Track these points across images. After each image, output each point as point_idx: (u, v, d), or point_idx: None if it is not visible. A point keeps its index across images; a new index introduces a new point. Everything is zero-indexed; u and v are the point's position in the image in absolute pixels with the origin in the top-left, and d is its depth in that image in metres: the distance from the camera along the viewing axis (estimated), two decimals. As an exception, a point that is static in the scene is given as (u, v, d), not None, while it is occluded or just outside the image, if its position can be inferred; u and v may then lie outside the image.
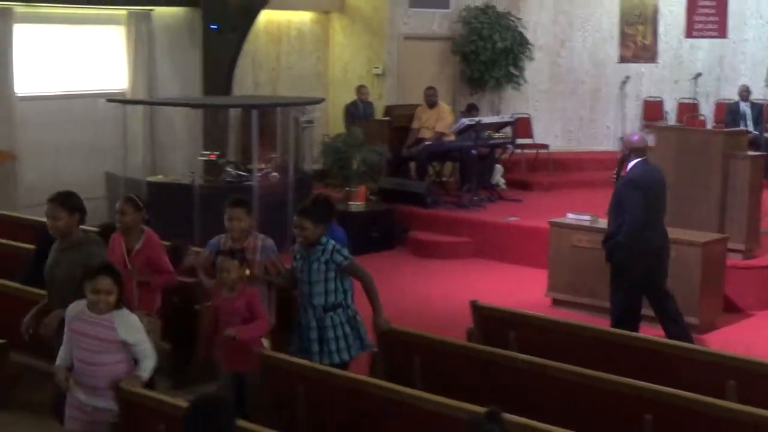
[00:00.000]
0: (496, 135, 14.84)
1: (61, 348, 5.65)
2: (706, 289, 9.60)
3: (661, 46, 17.56)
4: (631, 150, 8.72)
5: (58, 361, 5.66)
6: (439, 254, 12.65)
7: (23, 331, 6.38)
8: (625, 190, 8.51)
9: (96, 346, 5.47)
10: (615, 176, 9.32)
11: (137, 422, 5.47)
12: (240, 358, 6.32)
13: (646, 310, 8.84)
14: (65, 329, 5.64)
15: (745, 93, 15.77)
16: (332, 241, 6.78)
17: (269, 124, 13.82)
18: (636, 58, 17.53)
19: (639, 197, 8.36)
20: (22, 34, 12.81)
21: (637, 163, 8.63)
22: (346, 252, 6.80)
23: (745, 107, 15.62)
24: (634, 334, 7.25)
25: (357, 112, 15.09)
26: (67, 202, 6.46)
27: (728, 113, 15.91)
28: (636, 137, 9.06)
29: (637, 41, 17.50)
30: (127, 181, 12.79)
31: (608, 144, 16.81)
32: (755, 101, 15.79)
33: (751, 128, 15.10)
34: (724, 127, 15.51)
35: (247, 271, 6.63)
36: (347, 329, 6.75)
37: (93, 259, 6.05)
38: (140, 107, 13.77)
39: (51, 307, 6.23)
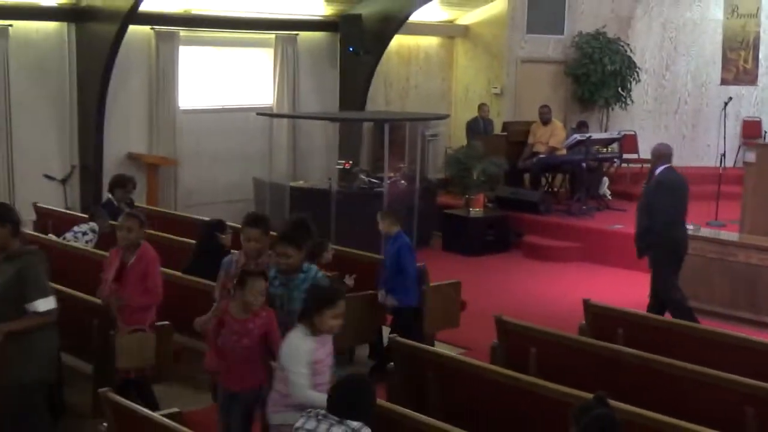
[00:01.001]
0: (604, 150, 14.65)
1: None
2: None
3: (762, 69, 17.06)
4: (659, 157, 8.83)
5: None
6: (550, 257, 12.54)
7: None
8: (657, 192, 8.64)
9: None
10: (646, 183, 9.14)
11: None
12: (239, 377, 5.51)
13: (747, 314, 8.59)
14: None
15: None
16: (314, 267, 6.06)
17: (398, 137, 13.91)
18: (737, 81, 17.06)
19: (669, 199, 8.61)
20: (185, 55, 13.11)
21: (664, 169, 8.74)
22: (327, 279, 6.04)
23: None
24: (735, 333, 7.05)
25: (478, 127, 15.06)
26: None
27: None
28: (662, 146, 9.16)
29: (739, 65, 17.04)
30: (271, 185, 12.97)
31: (708, 160, 16.37)
32: None
33: None
34: None
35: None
36: None
37: (28, 270, 5.45)
38: (285, 120, 13.98)
39: None
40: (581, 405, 4.37)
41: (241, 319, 5.46)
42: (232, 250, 6.83)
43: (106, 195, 10.11)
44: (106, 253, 7.10)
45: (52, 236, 9.32)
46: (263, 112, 13.53)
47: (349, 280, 7.54)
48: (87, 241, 9.05)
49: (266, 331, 5.45)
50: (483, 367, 5.77)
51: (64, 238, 9.11)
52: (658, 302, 8.78)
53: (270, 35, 14.08)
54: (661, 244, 8.62)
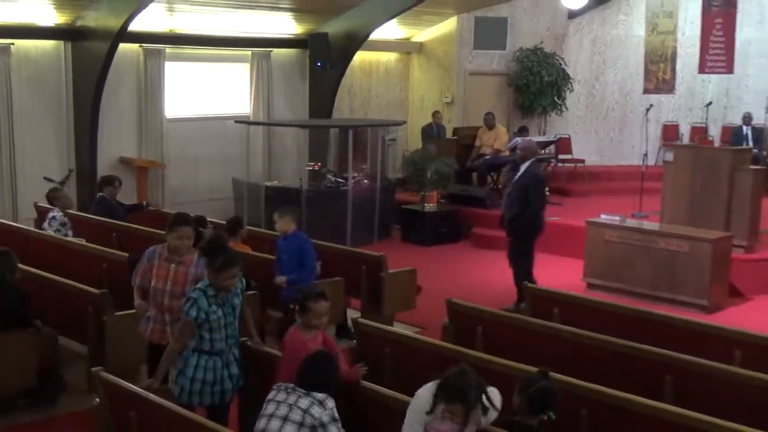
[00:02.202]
0: (543, 151, 14.68)
1: None
2: (715, 278, 9.41)
3: (678, 80, 17.21)
4: (530, 152, 9.26)
5: None
6: (496, 246, 12.42)
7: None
8: (535, 183, 9.11)
9: None
10: (508, 173, 9.28)
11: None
12: None
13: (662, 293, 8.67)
14: None
15: (747, 119, 15.45)
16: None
17: (361, 141, 13.87)
18: (657, 90, 17.18)
19: (543, 188, 9.51)
20: (171, 69, 12.98)
21: (533, 162, 9.20)
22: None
23: (747, 130, 15.29)
24: (655, 311, 7.09)
25: (432, 132, 15.06)
26: None
27: (732, 135, 15.60)
28: (530, 142, 9.75)
29: (659, 76, 17.17)
30: (249, 185, 12.89)
31: (633, 160, 16.44)
32: (756, 125, 15.49)
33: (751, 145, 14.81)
34: (730, 146, 15.19)
35: None
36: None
37: None
38: (260, 127, 13.88)
39: None
40: (526, 378, 4.38)
41: (310, 339, 4.92)
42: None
43: (98, 194, 9.95)
44: (92, 245, 6.99)
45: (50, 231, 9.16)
46: (241, 120, 13.43)
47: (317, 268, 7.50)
48: (56, 230, 8.79)
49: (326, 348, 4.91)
50: (434, 344, 5.76)
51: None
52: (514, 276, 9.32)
53: (246, 52, 13.97)
54: (532, 224, 9.13)
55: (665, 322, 6.62)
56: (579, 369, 5.55)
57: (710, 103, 16.21)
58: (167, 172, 12.94)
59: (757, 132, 15.29)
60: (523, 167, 9.21)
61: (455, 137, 14.97)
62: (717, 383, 5.31)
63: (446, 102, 16.02)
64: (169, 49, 12.86)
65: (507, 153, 14.19)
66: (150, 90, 12.71)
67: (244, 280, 5.32)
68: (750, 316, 9.30)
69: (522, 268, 9.19)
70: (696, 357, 5.54)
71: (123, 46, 11.77)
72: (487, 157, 14.26)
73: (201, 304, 5.02)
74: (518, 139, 13.92)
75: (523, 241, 9.23)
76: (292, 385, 4.28)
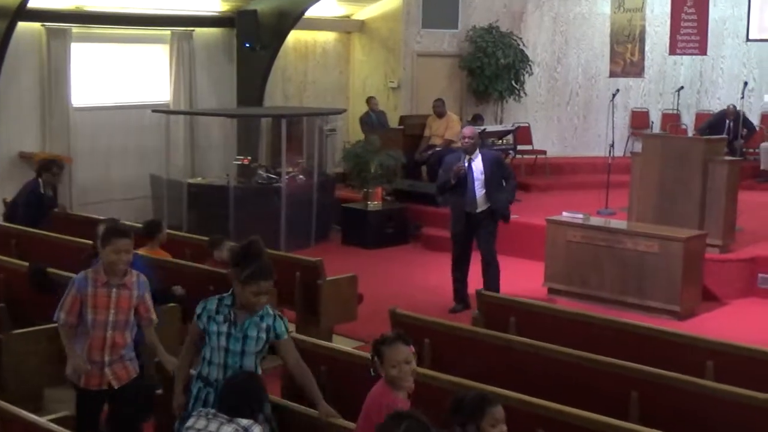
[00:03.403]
0: (499, 142, 14.82)
1: None
2: (687, 280, 9.56)
3: (648, 62, 17.48)
4: (478, 138, 9.88)
5: None
6: (448, 248, 12.48)
7: None
8: (504, 162, 9.88)
9: None
10: (468, 161, 9.52)
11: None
12: None
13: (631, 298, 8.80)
14: None
15: (732, 113, 15.33)
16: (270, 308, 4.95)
17: (296, 132, 13.83)
18: (625, 73, 17.46)
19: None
20: (78, 52, 12.82)
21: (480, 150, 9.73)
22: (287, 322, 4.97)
23: (728, 124, 15.36)
24: (620, 319, 7.20)
25: (370, 121, 15.09)
26: None
27: (707, 125, 15.67)
28: (474, 129, 10.33)
29: (626, 58, 17.43)
30: (169, 182, 12.81)
31: (599, 150, 16.67)
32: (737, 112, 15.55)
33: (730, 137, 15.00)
34: (701, 129, 15.48)
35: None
36: None
37: None
38: (182, 117, 13.80)
39: None
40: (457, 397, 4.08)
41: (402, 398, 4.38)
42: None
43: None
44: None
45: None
46: (159, 109, 13.33)
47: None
48: None
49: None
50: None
51: None
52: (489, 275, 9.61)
53: (165, 31, 13.85)
54: (498, 211, 9.62)
55: (631, 331, 6.71)
56: (536, 385, 5.60)
57: (681, 87, 16.50)
58: (75, 168, 12.77)
59: (738, 122, 15.41)
60: (478, 156, 9.53)
61: (401, 127, 15.01)
62: (687, 399, 5.40)
63: (392, 87, 16.06)
64: (75, 29, 12.69)
65: (460, 144, 14.24)
66: (54, 75, 12.54)
67: (278, 318, 4.82)
68: (725, 323, 9.49)
69: (497, 267, 9.64)
70: (664, 370, 5.62)
71: (22, 26, 11.61)
72: (437, 149, 14.32)
73: (209, 304, 4.80)
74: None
75: (495, 231, 9.68)
76: (213, 410, 4.26)
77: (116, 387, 5.35)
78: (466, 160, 9.49)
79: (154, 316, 5.51)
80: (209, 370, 4.77)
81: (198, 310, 4.83)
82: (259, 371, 4.78)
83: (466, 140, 9.61)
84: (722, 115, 15.62)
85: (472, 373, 5.55)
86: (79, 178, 12.86)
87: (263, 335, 4.76)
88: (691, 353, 6.28)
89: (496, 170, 9.59)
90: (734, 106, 15.51)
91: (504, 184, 9.65)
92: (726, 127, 15.24)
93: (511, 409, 4.68)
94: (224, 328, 4.74)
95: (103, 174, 13.21)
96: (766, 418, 5.14)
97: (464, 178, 9.49)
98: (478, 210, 9.56)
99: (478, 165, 9.53)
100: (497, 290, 9.47)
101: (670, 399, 5.45)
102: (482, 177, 9.50)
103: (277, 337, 4.80)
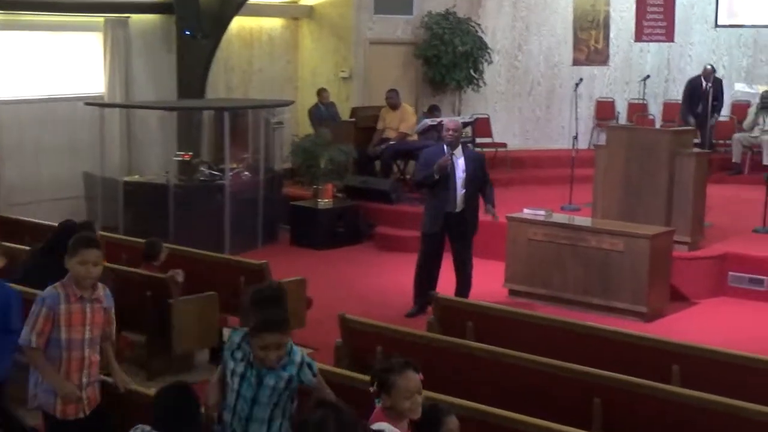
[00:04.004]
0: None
1: None
2: (654, 279, 9.68)
3: (613, 49, 17.65)
4: (460, 132, 9.95)
5: None
6: (404, 248, 12.56)
7: None
8: (485, 165, 9.92)
9: None
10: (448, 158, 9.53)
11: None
12: None
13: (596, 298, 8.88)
14: None
15: (709, 73, 15.49)
16: (298, 349, 4.76)
17: (241, 125, 13.77)
18: (589, 61, 17.60)
19: None
20: (3, 40, 12.67)
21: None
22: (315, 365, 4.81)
23: (707, 85, 15.39)
24: (585, 323, 7.26)
25: (320, 114, 15.08)
26: None
27: (689, 89, 15.71)
28: (457, 121, 10.42)
29: (590, 45, 17.58)
30: (104, 180, 12.70)
31: (563, 143, 16.83)
32: (717, 77, 15.68)
33: (707, 107, 15.20)
34: (683, 103, 15.72)
35: None
36: None
37: None
38: (117, 110, 13.66)
39: None
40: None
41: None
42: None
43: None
44: None
45: None
46: (92, 102, 13.19)
47: (178, 274, 7.44)
48: None
49: None
50: (325, 370, 5.75)
51: None
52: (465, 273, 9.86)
53: (98, 18, 13.71)
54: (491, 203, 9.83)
55: (594, 334, 6.78)
56: (495, 393, 5.65)
57: (648, 76, 16.65)
58: (1, 166, 12.63)
59: (719, 87, 15.50)
60: (461, 151, 9.58)
61: (353, 119, 15.02)
62: (652, 405, 5.47)
63: (343, 77, 16.05)
64: (0, 16, 12.52)
65: (415, 137, 14.32)
66: (-23, 66, 12.40)
67: (305, 367, 4.64)
68: (694, 324, 9.62)
69: (470, 272, 9.83)
70: (629, 375, 5.68)
71: (-59, 13, 11.44)
72: (391, 143, 14.35)
73: (234, 336, 4.60)
74: (427, 121, 14.10)
75: (472, 235, 9.81)
76: (149, 427, 4.24)
77: (88, 413, 5.17)
78: (449, 155, 9.44)
79: (113, 332, 5.40)
80: (223, 410, 4.61)
81: (225, 339, 4.66)
82: (280, 424, 4.53)
83: (450, 133, 9.57)
84: (697, 79, 15.72)
85: (427, 382, 5.57)
86: (5, 177, 12.70)
87: (282, 385, 4.52)
88: (657, 357, 6.36)
89: (478, 171, 9.60)
90: (711, 66, 15.66)
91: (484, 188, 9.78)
92: (703, 90, 15.34)
93: (468, 420, 4.73)
94: (240, 368, 4.53)
95: (32, 172, 13.04)
96: (735, 425, 5.22)
97: (447, 174, 9.43)
98: (458, 210, 9.55)
99: (460, 163, 9.52)
100: (468, 291, 9.59)
101: (634, 406, 5.52)
102: (464, 176, 9.49)
103: (303, 383, 4.61)
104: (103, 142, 13.06)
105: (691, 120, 15.30)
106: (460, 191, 9.51)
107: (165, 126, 14.09)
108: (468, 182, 9.50)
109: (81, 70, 13.82)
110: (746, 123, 15.46)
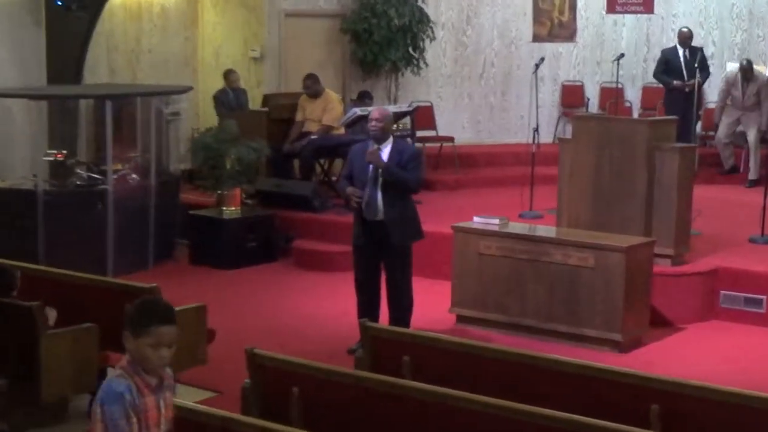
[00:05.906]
0: (394, 127, 14.85)
1: None
2: (631, 301, 9.74)
3: (581, 23, 17.82)
4: (389, 123, 9.73)
5: None
6: (329, 266, 12.61)
7: None
8: (416, 153, 10.12)
9: None
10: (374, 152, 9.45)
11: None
12: None
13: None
14: None
15: (685, 37, 15.78)
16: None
17: (127, 117, 13.72)
18: (552, 37, 17.75)
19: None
20: None
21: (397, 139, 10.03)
22: None
23: (683, 52, 15.69)
24: (549, 356, 7.29)
25: (228, 101, 15.05)
26: None
27: (662, 61, 15.95)
28: (387, 110, 10.25)
29: (554, 18, 17.73)
30: (-45, 187, 12.56)
31: (523, 136, 16.89)
32: (696, 46, 15.92)
33: (685, 78, 15.45)
34: (656, 75, 16.06)
35: None
36: None
37: None
38: (-28, 100, 13.53)
39: None
40: None
41: None
42: (118, 367, 4.81)
43: None
44: None
45: None
46: (-60, 89, 13.05)
47: (50, 312, 7.33)
48: None
49: None
50: (228, 418, 5.72)
51: None
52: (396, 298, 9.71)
53: (-53, -14, 13.58)
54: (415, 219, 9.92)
55: (559, 369, 6.79)
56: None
57: (622, 55, 16.81)
58: None
59: (696, 55, 15.62)
60: (388, 146, 9.37)
61: (265, 109, 14.98)
62: (626, 454, 5.50)
63: (254, 57, 16.03)
64: None
65: (342, 130, 14.31)
66: None
67: None
68: (679, 354, 9.72)
69: (409, 292, 9.71)
70: (600, 418, 5.70)
71: None
72: (313, 137, 14.32)
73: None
74: (356, 110, 14.10)
75: (408, 247, 9.71)
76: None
77: None
78: (376, 152, 9.29)
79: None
80: None
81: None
82: None
83: (374, 124, 9.39)
84: (673, 49, 15.95)
85: (352, 428, 5.56)
86: None
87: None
88: (634, 395, 6.39)
89: (402, 164, 9.39)
90: (688, 29, 15.79)
91: None
92: (681, 59, 15.48)
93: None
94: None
95: None
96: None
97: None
98: (378, 218, 9.39)
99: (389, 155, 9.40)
100: (406, 320, 9.50)
101: (605, 456, 5.54)
102: (379, 176, 9.36)
103: None
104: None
105: (676, 83, 15.42)
106: (377, 195, 9.34)
107: (32, 119, 13.92)
108: (387, 183, 9.33)
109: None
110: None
